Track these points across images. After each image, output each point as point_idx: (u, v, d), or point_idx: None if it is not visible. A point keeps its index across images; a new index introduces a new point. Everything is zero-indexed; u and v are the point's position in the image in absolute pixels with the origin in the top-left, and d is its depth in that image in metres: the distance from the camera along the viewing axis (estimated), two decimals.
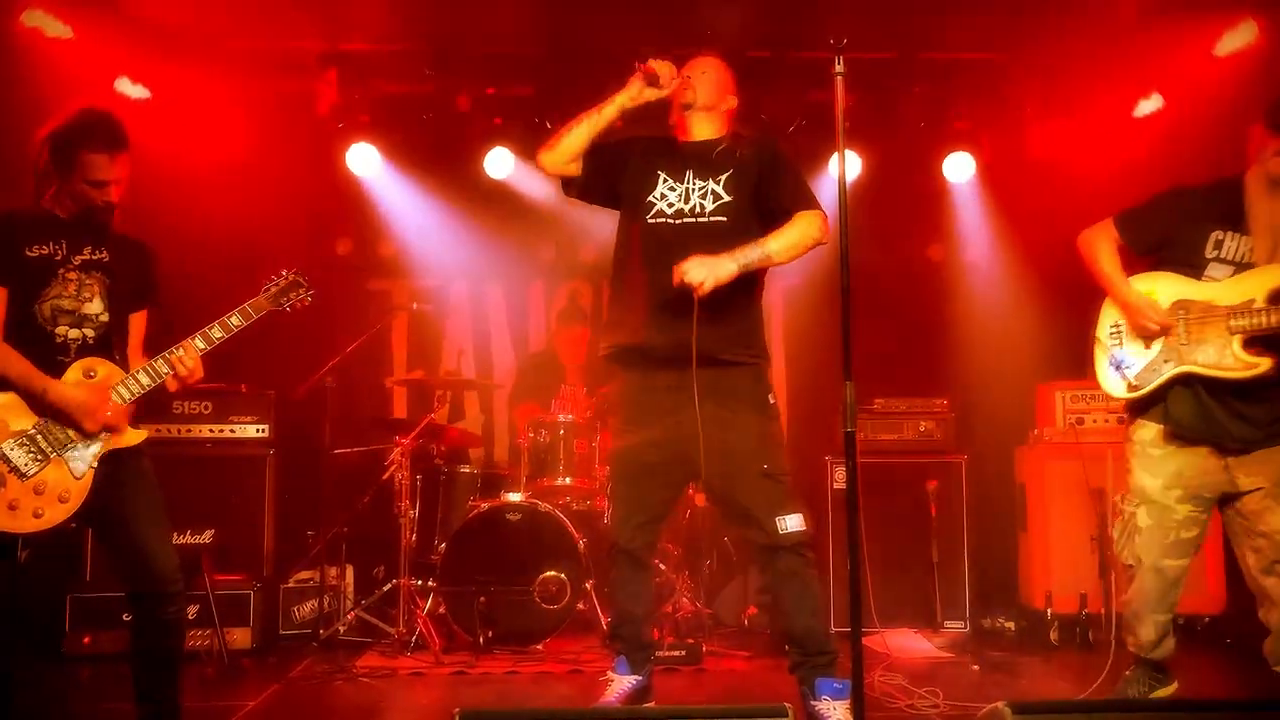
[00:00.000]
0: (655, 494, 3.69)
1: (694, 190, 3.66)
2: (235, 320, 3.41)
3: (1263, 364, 3.31)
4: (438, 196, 6.76)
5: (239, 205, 6.05)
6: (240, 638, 5.12)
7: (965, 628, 5.60)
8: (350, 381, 5.78)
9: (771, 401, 3.66)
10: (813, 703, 3.47)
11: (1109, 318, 3.64)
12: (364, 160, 6.50)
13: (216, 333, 3.37)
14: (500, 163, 6.52)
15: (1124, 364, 3.55)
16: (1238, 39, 5.39)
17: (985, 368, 6.54)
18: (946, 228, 6.90)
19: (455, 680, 4.64)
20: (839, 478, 5.67)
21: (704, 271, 3.36)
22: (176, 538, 3.43)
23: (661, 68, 3.63)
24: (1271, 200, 3.39)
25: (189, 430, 5.52)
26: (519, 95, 6.34)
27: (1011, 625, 5.68)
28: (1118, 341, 3.59)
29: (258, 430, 5.60)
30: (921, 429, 5.89)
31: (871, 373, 5.24)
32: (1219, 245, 3.45)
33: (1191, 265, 3.48)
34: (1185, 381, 3.45)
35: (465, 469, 5.83)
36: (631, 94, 3.66)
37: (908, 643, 5.35)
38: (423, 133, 6.41)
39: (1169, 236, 3.55)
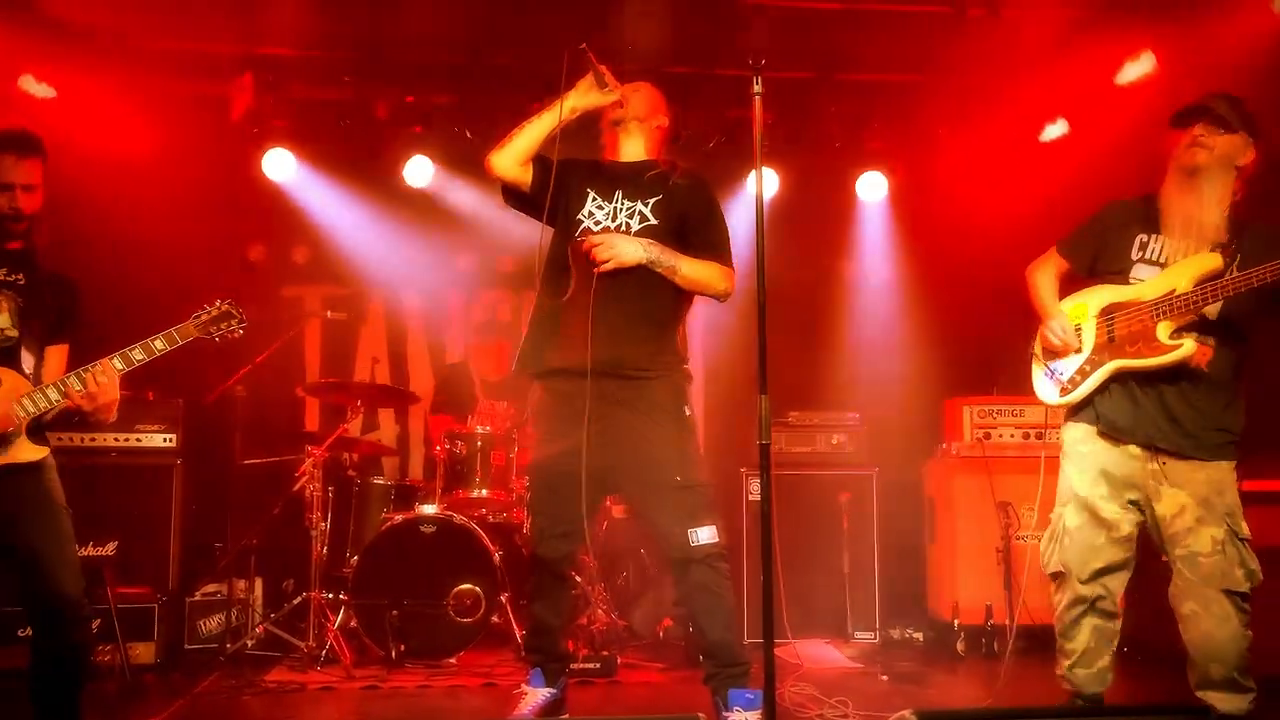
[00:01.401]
0: (575, 505, 3.67)
1: (621, 209, 3.69)
2: (159, 344, 3.31)
3: (1186, 345, 3.34)
4: (355, 203, 6.69)
5: (148, 209, 5.91)
6: (144, 652, 5.00)
7: (875, 638, 5.69)
8: (261, 390, 5.69)
9: (688, 414, 3.69)
10: (725, 713, 3.50)
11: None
12: (280, 165, 6.42)
13: (138, 354, 3.27)
14: (420, 171, 6.49)
15: (1057, 371, 3.63)
16: (1137, 69, 5.62)
17: (896, 382, 6.69)
18: (859, 245, 7.05)
19: (366, 695, 4.58)
20: (753, 489, 5.74)
21: (610, 252, 3.52)
22: (78, 550, 3.31)
23: (605, 71, 3.65)
24: (1184, 193, 3.45)
25: (93, 439, 5.36)
26: (439, 104, 6.32)
27: (920, 636, 5.81)
28: (1051, 353, 3.68)
29: (164, 439, 5.48)
30: (834, 442, 5.99)
31: (786, 386, 5.31)
32: (1143, 247, 3.52)
33: (1119, 271, 3.55)
34: (1120, 379, 3.48)
35: (379, 481, 5.75)
36: (580, 93, 3.66)
37: (819, 653, 5.43)
38: (341, 139, 6.35)
39: (1101, 248, 3.63)
